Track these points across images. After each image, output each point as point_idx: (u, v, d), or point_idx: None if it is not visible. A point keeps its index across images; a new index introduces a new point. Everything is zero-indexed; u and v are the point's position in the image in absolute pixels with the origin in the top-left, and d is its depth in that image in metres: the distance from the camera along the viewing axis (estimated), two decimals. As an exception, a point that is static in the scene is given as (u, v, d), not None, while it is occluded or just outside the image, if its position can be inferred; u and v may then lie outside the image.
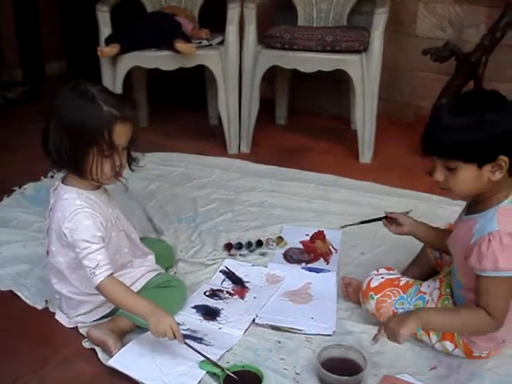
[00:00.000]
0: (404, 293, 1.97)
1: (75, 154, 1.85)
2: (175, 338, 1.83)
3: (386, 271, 2.06)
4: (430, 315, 1.76)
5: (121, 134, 1.86)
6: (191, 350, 1.84)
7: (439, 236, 2.03)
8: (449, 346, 1.87)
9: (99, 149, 1.84)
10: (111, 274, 1.88)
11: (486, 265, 1.65)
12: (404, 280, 2.01)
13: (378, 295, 1.99)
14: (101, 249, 1.89)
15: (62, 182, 1.98)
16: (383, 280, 2.01)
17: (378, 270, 2.06)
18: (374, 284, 2.01)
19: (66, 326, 2.07)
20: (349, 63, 3.29)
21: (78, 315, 2.05)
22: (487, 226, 1.67)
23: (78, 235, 1.88)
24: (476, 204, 1.78)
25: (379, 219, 2.14)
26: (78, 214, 1.89)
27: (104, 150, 1.85)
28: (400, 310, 1.94)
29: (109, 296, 1.91)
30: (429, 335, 1.91)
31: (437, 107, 1.69)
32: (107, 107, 1.83)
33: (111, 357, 1.87)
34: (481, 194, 1.73)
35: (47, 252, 2.04)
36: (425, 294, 1.95)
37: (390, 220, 2.10)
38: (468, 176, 1.67)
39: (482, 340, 1.83)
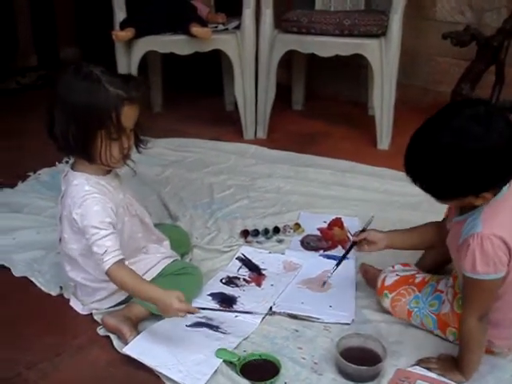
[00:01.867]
0: (419, 291, 1.93)
1: (83, 138, 1.81)
2: (188, 313, 1.81)
3: (402, 267, 2.03)
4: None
5: (129, 115, 1.83)
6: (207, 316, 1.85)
7: (421, 235, 1.98)
8: None
9: (107, 132, 1.81)
10: (120, 260, 1.85)
11: (465, 266, 1.62)
12: (420, 277, 1.97)
13: (393, 294, 1.96)
14: (110, 235, 1.85)
15: (72, 168, 1.95)
16: (398, 278, 1.98)
17: (393, 267, 2.03)
18: (388, 282, 1.98)
19: (81, 312, 2.05)
20: (367, 47, 3.23)
21: (93, 302, 2.03)
22: (472, 227, 1.62)
23: (87, 221, 1.85)
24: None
25: (350, 249, 2.06)
26: (87, 199, 1.86)
27: (112, 132, 1.82)
28: (415, 310, 1.92)
29: (117, 282, 1.88)
30: (445, 334, 1.88)
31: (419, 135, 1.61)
32: (114, 89, 1.79)
33: (126, 344, 1.85)
34: None
35: (60, 239, 2.02)
36: (442, 292, 1.90)
37: (359, 244, 2.02)
38: (455, 203, 1.68)
39: (499, 339, 1.80)
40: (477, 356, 1.72)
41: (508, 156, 1.53)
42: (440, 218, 1.95)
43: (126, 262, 1.91)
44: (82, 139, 1.81)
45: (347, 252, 2.07)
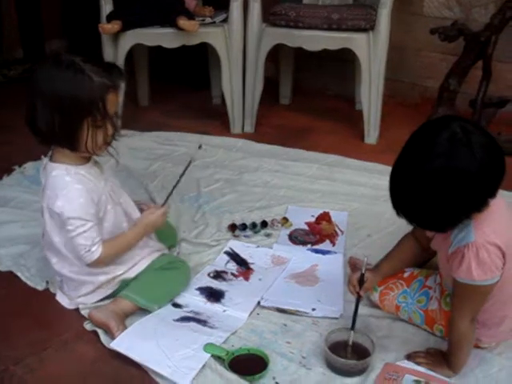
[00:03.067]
0: (408, 286, 1.92)
1: (69, 127, 1.80)
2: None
3: None
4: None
5: (113, 102, 1.83)
6: None
7: (405, 254, 1.95)
8: None
9: (93, 120, 1.80)
10: (101, 243, 1.91)
11: (460, 274, 1.61)
12: (408, 271, 1.96)
13: (382, 287, 1.96)
14: (94, 226, 1.88)
15: (50, 160, 1.92)
16: None
17: None
18: None
19: (67, 307, 2.04)
20: (355, 42, 3.22)
21: (80, 296, 2.02)
22: (464, 237, 1.60)
23: (70, 213, 1.84)
24: None
25: (357, 305, 1.86)
26: (70, 191, 1.85)
27: (98, 120, 1.80)
28: (403, 305, 1.91)
29: (109, 258, 1.95)
30: (432, 330, 1.88)
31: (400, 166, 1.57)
32: (98, 77, 1.79)
33: (113, 339, 1.83)
34: None
35: (43, 234, 2.00)
36: (430, 288, 1.89)
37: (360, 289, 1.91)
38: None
39: (487, 337, 1.81)
40: (466, 353, 1.73)
41: (492, 170, 1.52)
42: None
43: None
44: (68, 129, 1.80)
45: (356, 308, 1.85)
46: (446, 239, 1.67)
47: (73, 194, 1.85)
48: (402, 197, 1.58)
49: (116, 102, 1.86)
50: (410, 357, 1.80)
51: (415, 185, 1.53)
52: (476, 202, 1.54)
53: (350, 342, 1.79)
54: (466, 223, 1.59)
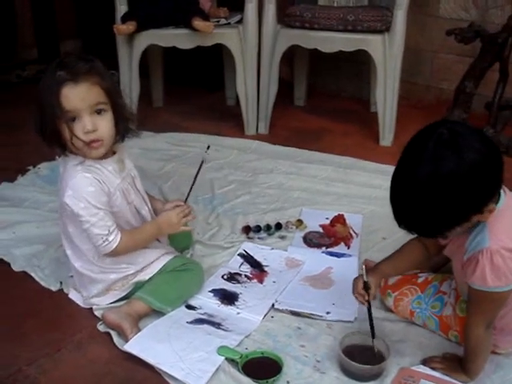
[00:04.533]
0: (422, 292, 1.90)
1: (46, 129, 1.80)
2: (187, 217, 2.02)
3: None
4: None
5: (72, 95, 1.76)
6: None
7: (409, 258, 1.91)
8: None
9: (63, 117, 1.77)
10: (119, 233, 1.90)
11: (474, 281, 1.58)
12: (423, 276, 1.94)
13: (396, 293, 1.94)
14: (107, 214, 1.87)
15: (70, 152, 1.90)
16: (400, 277, 1.96)
17: None
18: (391, 281, 1.96)
19: (81, 305, 2.04)
20: (371, 43, 3.21)
21: (93, 297, 2.01)
22: (479, 242, 1.57)
23: (82, 203, 1.82)
24: None
25: (370, 313, 1.82)
26: (81, 180, 1.84)
27: (66, 117, 1.77)
28: (417, 310, 1.90)
29: (127, 250, 1.94)
30: (447, 336, 1.86)
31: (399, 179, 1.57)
32: (60, 71, 1.76)
33: (127, 341, 1.82)
34: None
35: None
36: (444, 294, 1.87)
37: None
38: (457, 231, 1.58)
39: (504, 342, 1.78)
40: (483, 359, 1.70)
41: (486, 171, 1.48)
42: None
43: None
44: (46, 130, 1.80)
45: (371, 316, 1.82)
46: (461, 246, 1.64)
47: (82, 183, 1.83)
48: (399, 205, 1.56)
49: (81, 94, 1.76)
50: (425, 362, 1.78)
51: (407, 191, 1.51)
52: (472, 204, 1.50)
53: (376, 350, 1.77)
54: (480, 229, 1.57)
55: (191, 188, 2.11)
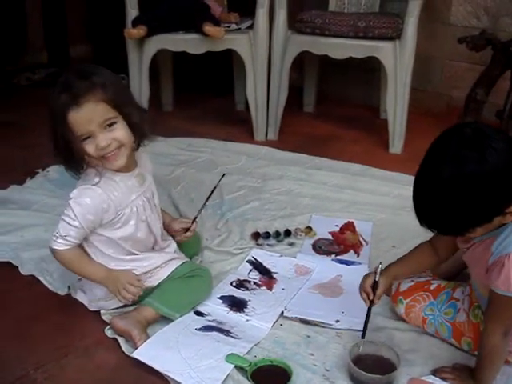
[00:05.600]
0: (434, 298, 1.89)
1: (64, 153, 1.81)
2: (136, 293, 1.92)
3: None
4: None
5: (79, 119, 1.74)
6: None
7: (418, 261, 1.90)
8: None
9: (77, 140, 1.77)
10: (69, 248, 1.89)
11: (498, 285, 1.56)
12: (435, 283, 1.92)
13: (408, 300, 1.92)
14: (80, 229, 1.86)
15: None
16: (412, 284, 1.94)
17: None
18: (403, 288, 1.94)
19: (88, 306, 2.03)
20: (381, 50, 3.20)
21: (99, 299, 2.00)
22: (506, 247, 1.55)
23: (74, 203, 1.84)
24: None
25: (369, 311, 1.86)
26: (87, 189, 1.84)
27: (80, 140, 1.77)
28: (430, 317, 1.88)
29: (66, 265, 1.94)
30: (459, 343, 1.84)
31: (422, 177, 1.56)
32: (62, 93, 1.74)
33: (135, 348, 1.81)
34: None
35: None
36: (457, 300, 1.85)
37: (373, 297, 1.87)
38: (479, 232, 1.56)
39: None
40: (496, 368, 1.68)
41: (510, 174, 1.46)
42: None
43: (131, 257, 1.95)
44: (59, 150, 1.81)
45: (368, 316, 1.84)
46: (486, 249, 1.62)
47: (87, 192, 1.84)
48: (421, 202, 1.55)
49: (87, 117, 1.74)
50: (435, 372, 1.76)
51: (429, 189, 1.50)
52: (493, 205, 1.49)
53: (360, 350, 1.77)
54: (509, 232, 1.56)
55: (201, 209, 2.17)
